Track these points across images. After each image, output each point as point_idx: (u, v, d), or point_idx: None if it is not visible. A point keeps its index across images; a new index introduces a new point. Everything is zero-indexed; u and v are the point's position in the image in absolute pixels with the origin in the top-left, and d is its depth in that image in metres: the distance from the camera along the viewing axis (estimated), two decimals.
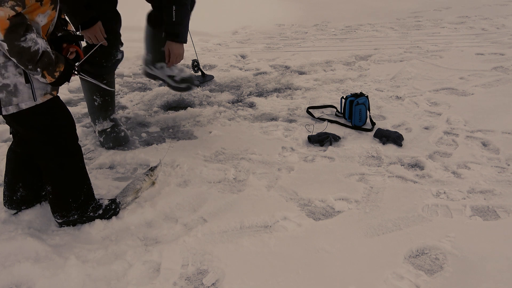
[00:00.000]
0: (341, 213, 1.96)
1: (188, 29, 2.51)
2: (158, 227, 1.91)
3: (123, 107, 3.34)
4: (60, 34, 1.81)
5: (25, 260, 1.65)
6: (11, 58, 1.54)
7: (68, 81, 1.71)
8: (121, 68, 4.34)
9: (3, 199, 1.99)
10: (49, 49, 1.60)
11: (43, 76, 1.60)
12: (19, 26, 1.48)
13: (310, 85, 3.72)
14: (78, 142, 1.87)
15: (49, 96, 1.71)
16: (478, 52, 4.55)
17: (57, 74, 1.63)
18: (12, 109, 1.63)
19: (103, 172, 2.39)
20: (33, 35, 1.52)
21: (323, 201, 2.04)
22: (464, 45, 4.88)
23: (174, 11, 2.40)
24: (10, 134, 1.94)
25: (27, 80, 1.61)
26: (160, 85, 3.79)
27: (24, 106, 1.64)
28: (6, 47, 1.49)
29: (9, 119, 1.71)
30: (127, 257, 1.70)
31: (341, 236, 1.80)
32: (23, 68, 1.58)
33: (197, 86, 2.79)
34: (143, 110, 3.27)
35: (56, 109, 1.76)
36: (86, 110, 3.25)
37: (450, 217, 1.91)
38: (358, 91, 3.34)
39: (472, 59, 4.29)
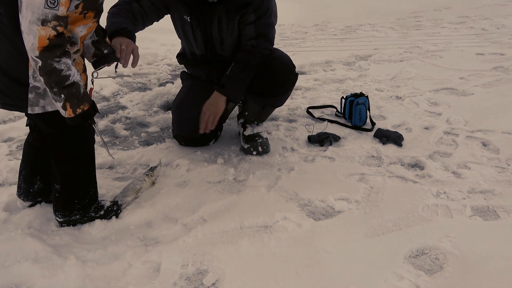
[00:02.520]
0: (341, 213, 1.96)
1: (240, 89, 2.25)
2: (158, 227, 1.91)
3: (123, 107, 3.34)
4: (106, 51, 1.82)
5: (24, 260, 1.65)
6: (40, 76, 1.52)
7: (86, 124, 1.68)
8: (121, 68, 4.32)
9: (18, 191, 2.00)
10: (81, 84, 1.59)
11: (64, 107, 1.57)
12: (58, 47, 1.48)
13: (310, 85, 3.71)
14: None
15: None
16: (478, 52, 4.55)
17: (79, 111, 1.60)
18: (37, 110, 1.65)
19: (103, 172, 2.39)
20: (68, 61, 1.52)
21: (323, 201, 2.04)
22: (464, 45, 4.88)
23: (230, 67, 2.25)
24: (27, 125, 1.95)
25: None
26: (160, 85, 3.79)
27: (50, 108, 1.66)
28: (39, 64, 1.48)
29: (33, 116, 1.73)
30: (127, 257, 1.70)
31: (341, 236, 1.80)
32: (48, 88, 1.54)
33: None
34: (143, 110, 3.27)
35: None
36: None
37: (450, 217, 1.91)
38: (358, 91, 3.34)
39: (472, 59, 4.29)
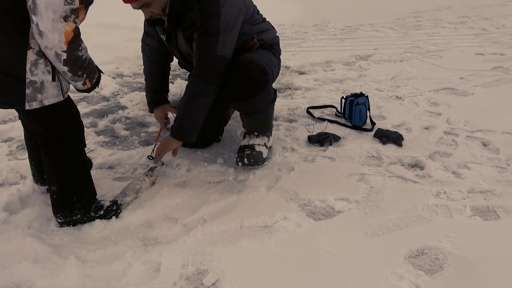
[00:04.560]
0: (341, 213, 1.95)
1: (189, 129, 2.11)
2: (158, 227, 1.91)
3: (123, 107, 3.34)
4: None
5: (24, 260, 1.65)
6: (63, 66, 1.62)
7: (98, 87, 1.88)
8: (121, 68, 4.34)
9: (33, 179, 2.09)
10: (90, 56, 1.73)
11: (84, 83, 1.74)
12: (78, 36, 1.60)
13: (310, 85, 3.71)
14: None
15: (67, 94, 1.77)
16: (478, 52, 4.55)
17: (94, 80, 1.80)
18: (35, 105, 1.66)
19: (103, 172, 2.39)
20: (84, 44, 1.66)
21: (323, 201, 2.04)
22: (464, 45, 4.88)
23: (180, 103, 2.10)
24: (19, 118, 1.98)
25: (54, 79, 1.65)
26: None
27: (47, 102, 1.68)
28: (64, 57, 1.59)
29: (25, 115, 1.75)
30: (127, 257, 1.70)
31: (341, 236, 1.80)
32: (71, 74, 1.67)
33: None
34: (143, 110, 3.27)
35: (70, 107, 1.82)
36: (86, 110, 3.26)
37: (450, 217, 1.91)
38: (358, 91, 3.34)
39: (472, 59, 4.29)
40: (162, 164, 2.37)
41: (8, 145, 2.70)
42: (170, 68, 2.52)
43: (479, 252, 1.67)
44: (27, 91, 1.62)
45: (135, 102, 3.42)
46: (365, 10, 7.57)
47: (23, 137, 2.78)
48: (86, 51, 1.68)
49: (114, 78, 4.02)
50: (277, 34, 2.51)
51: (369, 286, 1.54)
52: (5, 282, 1.58)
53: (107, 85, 3.77)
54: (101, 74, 1.89)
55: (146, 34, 2.46)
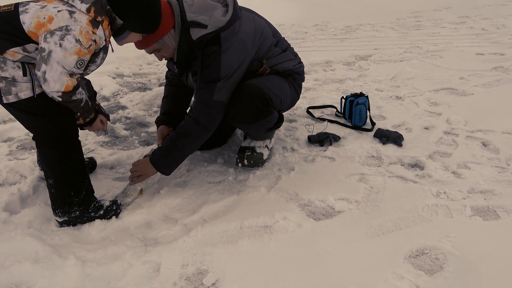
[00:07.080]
0: (341, 213, 1.95)
1: (169, 164, 2.11)
2: (158, 227, 1.91)
3: (123, 107, 3.34)
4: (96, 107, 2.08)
5: (24, 260, 1.65)
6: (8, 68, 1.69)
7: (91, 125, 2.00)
8: (121, 68, 4.34)
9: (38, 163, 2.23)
10: (88, 99, 1.86)
11: (77, 118, 1.88)
12: (76, 88, 1.74)
13: (310, 85, 3.71)
14: (78, 138, 1.90)
15: (40, 90, 1.76)
16: (478, 52, 4.55)
17: (88, 119, 1.92)
18: (12, 98, 1.71)
19: (103, 172, 2.39)
20: (81, 89, 1.78)
21: (323, 201, 2.04)
22: (464, 45, 4.88)
23: (170, 137, 2.10)
24: None
25: (25, 74, 1.70)
26: (160, 85, 3.79)
27: (23, 96, 1.72)
28: (59, 100, 1.72)
29: (10, 108, 1.77)
30: (127, 257, 1.70)
31: (341, 236, 1.80)
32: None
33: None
34: (143, 110, 3.27)
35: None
36: None
37: (450, 217, 1.91)
38: (358, 91, 3.34)
39: (472, 59, 4.29)
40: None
41: (8, 145, 2.70)
42: (189, 93, 2.46)
43: (479, 252, 1.67)
44: (0, 85, 1.68)
45: (135, 102, 3.42)
46: (365, 10, 7.58)
47: (23, 137, 2.79)
48: (82, 93, 1.79)
49: (114, 78, 4.02)
50: (301, 61, 2.42)
51: (369, 286, 1.54)
52: (5, 282, 1.58)
53: (107, 85, 3.77)
54: (96, 119, 1.97)
55: (168, 62, 2.45)
